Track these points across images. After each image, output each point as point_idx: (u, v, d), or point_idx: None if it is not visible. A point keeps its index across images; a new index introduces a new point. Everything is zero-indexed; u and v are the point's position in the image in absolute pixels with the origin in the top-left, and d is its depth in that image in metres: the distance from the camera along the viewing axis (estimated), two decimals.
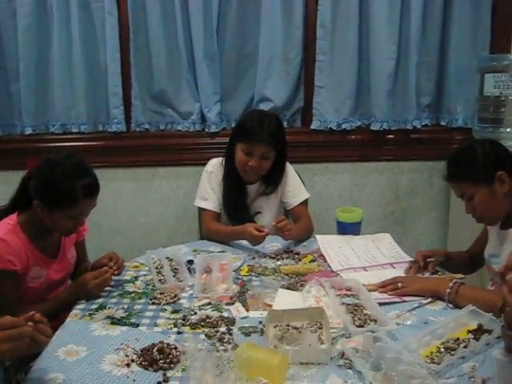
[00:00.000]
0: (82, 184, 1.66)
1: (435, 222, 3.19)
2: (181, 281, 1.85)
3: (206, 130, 2.98)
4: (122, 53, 2.89)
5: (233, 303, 1.67)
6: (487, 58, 2.83)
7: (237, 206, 2.39)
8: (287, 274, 1.88)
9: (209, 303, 1.68)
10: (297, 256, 2.09)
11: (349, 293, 1.69)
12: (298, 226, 2.35)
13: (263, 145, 2.24)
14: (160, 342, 1.40)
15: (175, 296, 1.74)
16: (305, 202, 2.48)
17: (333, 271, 1.91)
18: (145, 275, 1.94)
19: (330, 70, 2.94)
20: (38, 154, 1.78)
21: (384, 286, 1.73)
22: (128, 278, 1.92)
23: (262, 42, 2.90)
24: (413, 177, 3.14)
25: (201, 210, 2.46)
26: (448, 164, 1.81)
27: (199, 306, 1.66)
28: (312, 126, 3.00)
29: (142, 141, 3.02)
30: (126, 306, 1.68)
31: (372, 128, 2.99)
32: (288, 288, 1.75)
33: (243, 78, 3.01)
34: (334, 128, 2.99)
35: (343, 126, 3.00)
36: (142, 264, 2.05)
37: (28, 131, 2.94)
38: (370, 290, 1.69)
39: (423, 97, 3.03)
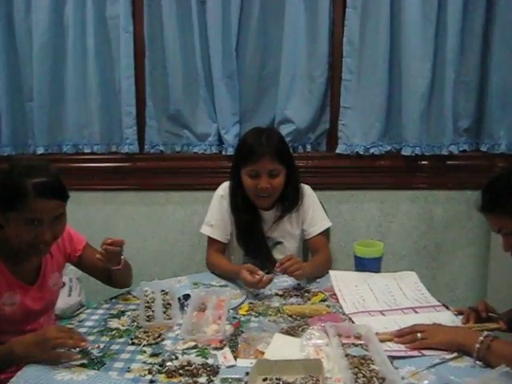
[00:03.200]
0: (33, 181, 1.50)
1: (474, 258, 2.87)
2: (170, 318, 1.64)
3: (223, 152, 2.80)
4: (137, 70, 2.77)
5: (222, 348, 1.46)
6: None
7: (252, 235, 2.18)
8: (291, 316, 1.66)
9: (195, 346, 1.47)
10: (306, 294, 1.86)
11: (357, 342, 1.43)
12: (313, 261, 2.12)
13: (267, 160, 2.03)
14: None
15: (159, 336, 1.54)
16: (325, 232, 2.25)
17: (344, 314, 1.67)
18: (133, 310, 1.75)
19: (357, 89, 2.72)
20: None
21: (401, 336, 1.47)
22: (114, 312, 1.74)
23: (285, 60, 2.72)
24: (449, 207, 2.85)
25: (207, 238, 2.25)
26: (483, 193, 1.58)
27: (183, 350, 1.46)
28: (337, 150, 2.77)
29: (155, 163, 2.87)
30: (102, 345, 1.49)
31: (403, 153, 2.73)
32: (287, 332, 1.51)
33: (264, 98, 2.82)
34: (362, 153, 2.74)
35: (371, 151, 2.75)
36: (134, 297, 1.86)
37: (40, 151, 2.85)
38: (383, 340, 1.44)
39: (461, 120, 2.76)
